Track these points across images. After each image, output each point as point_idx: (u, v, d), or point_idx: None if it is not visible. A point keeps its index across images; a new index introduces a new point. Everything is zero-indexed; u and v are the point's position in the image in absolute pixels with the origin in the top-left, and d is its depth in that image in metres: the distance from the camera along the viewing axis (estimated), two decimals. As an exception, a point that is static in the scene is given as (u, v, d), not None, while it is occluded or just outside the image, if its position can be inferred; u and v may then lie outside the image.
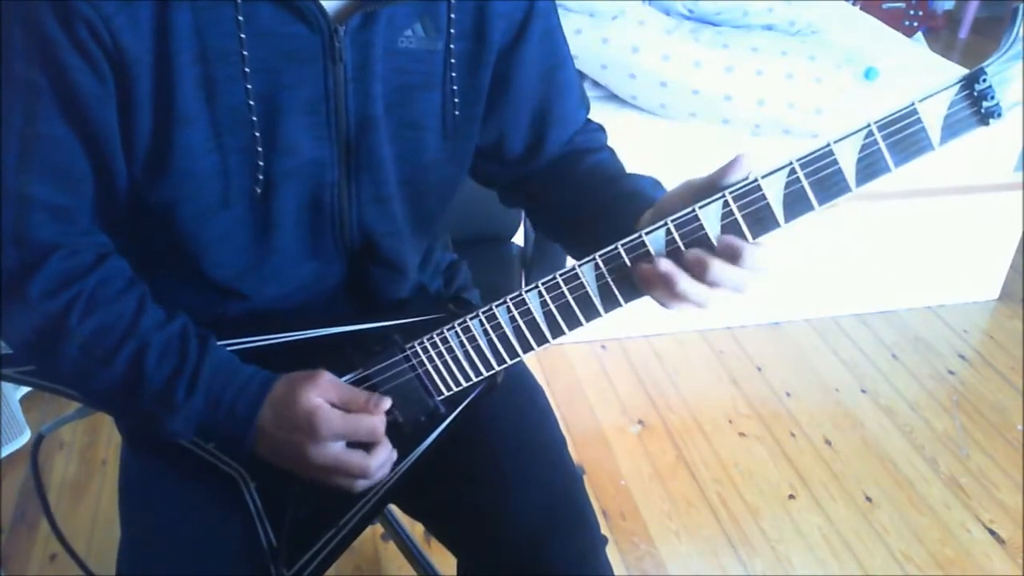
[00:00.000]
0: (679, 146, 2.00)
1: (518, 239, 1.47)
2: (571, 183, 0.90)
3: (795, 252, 2.16)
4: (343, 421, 0.76)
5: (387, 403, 0.78)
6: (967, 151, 2.13)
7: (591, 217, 0.85)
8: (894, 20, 3.54)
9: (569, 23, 1.90)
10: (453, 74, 0.82)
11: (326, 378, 0.77)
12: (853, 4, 3.29)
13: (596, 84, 2.04)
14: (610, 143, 0.97)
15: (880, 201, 2.16)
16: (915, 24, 3.76)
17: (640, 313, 2.38)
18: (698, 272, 0.70)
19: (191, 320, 0.80)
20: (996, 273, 2.40)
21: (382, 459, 0.79)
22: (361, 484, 0.79)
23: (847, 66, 1.97)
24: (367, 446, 0.78)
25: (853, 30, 2.47)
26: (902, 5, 3.75)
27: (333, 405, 0.77)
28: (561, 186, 0.91)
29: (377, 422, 0.78)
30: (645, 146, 1.97)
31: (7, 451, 1.77)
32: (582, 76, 2.03)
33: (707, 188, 0.71)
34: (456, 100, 0.83)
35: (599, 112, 2.00)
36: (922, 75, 2.23)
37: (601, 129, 0.98)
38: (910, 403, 2.04)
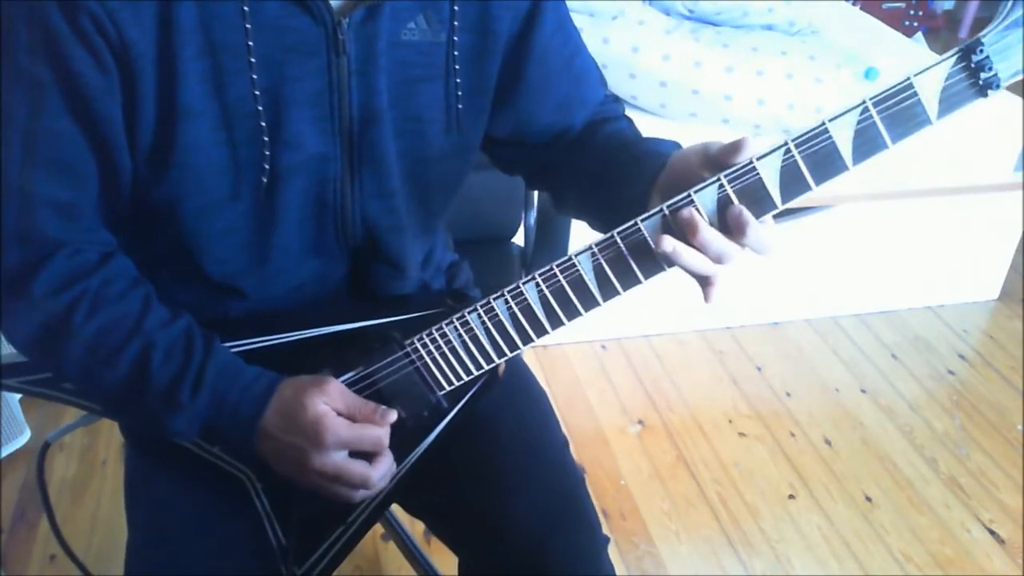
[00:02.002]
0: (679, 146, 2.00)
1: (518, 239, 1.47)
2: (591, 153, 0.90)
3: (795, 252, 2.16)
4: (349, 431, 0.76)
5: (393, 415, 0.78)
6: (967, 151, 2.13)
7: (611, 182, 0.84)
8: (894, 20, 3.54)
9: (569, 23, 1.90)
10: (456, 66, 0.82)
11: (334, 386, 0.77)
12: (853, 4, 3.29)
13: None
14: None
15: (880, 201, 2.16)
16: (915, 24, 3.76)
17: (640, 313, 2.37)
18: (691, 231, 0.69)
19: (195, 320, 0.80)
20: (996, 273, 2.40)
21: (383, 470, 0.78)
22: (360, 495, 0.79)
23: (847, 66, 1.96)
24: (369, 456, 0.78)
25: (853, 30, 2.47)
26: (902, 5, 3.75)
27: (339, 414, 0.76)
28: (581, 158, 0.91)
29: (383, 433, 0.77)
30: (645, 146, 1.96)
31: (7, 451, 1.77)
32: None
33: (724, 156, 0.70)
34: (459, 93, 0.83)
35: (599, 112, 2.00)
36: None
37: (616, 100, 0.98)
38: (910, 403, 2.04)
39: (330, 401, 0.76)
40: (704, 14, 2.03)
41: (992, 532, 1.71)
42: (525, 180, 1.01)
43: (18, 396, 1.83)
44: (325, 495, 0.79)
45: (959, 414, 2.02)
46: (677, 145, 0.84)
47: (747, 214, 0.68)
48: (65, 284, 0.74)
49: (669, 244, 0.69)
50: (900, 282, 2.33)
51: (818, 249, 2.18)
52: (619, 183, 0.82)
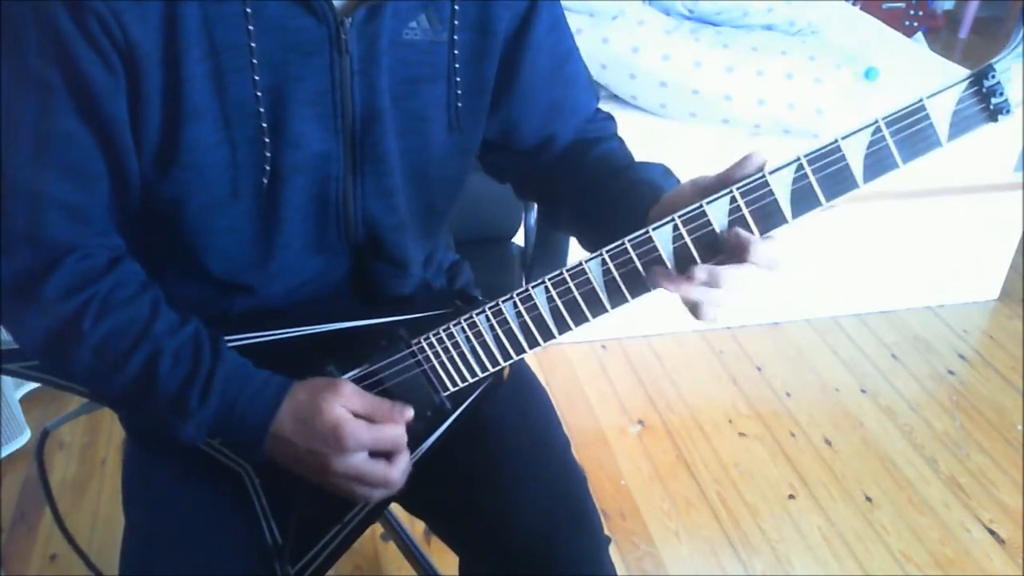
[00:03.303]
0: (679, 146, 2.00)
1: (518, 239, 1.47)
2: (581, 173, 0.90)
3: (795, 252, 2.16)
4: (368, 432, 0.76)
5: (410, 412, 0.78)
6: (967, 151, 2.13)
7: (601, 208, 0.84)
8: (894, 20, 3.54)
9: (569, 23, 1.89)
10: (457, 66, 0.82)
11: (349, 387, 0.77)
12: (853, 4, 3.29)
13: (596, 84, 2.04)
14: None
15: (880, 201, 2.16)
16: (915, 24, 3.76)
17: (640, 313, 2.37)
18: (696, 277, 0.70)
19: (203, 324, 0.80)
20: (996, 273, 2.40)
21: (402, 468, 0.79)
22: (379, 494, 0.79)
23: (847, 66, 1.97)
24: (387, 455, 0.78)
25: (853, 30, 2.47)
26: (902, 5, 3.75)
27: (356, 415, 0.76)
28: (571, 176, 0.91)
29: (401, 432, 0.78)
30: (645, 146, 1.96)
31: (7, 451, 1.77)
32: (582, 76, 2.03)
33: (715, 187, 0.71)
34: (459, 92, 0.84)
35: (599, 112, 2.00)
36: (922, 75, 2.23)
37: (610, 118, 0.98)
38: (910, 403, 2.04)
39: (346, 403, 0.76)
40: (704, 14, 2.03)
41: (992, 532, 1.71)
42: (514, 188, 1.01)
43: (18, 396, 1.83)
44: (344, 496, 0.79)
45: (959, 414, 2.02)
46: (668, 171, 0.86)
47: (744, 234, 0.69)
48: (75, 288, 0.74)
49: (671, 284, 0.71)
50: (900, 282, 2.33)
51: (818, 249, 2.18)
52: (612, 208, 0.82)
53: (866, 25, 2.62)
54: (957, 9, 4.38)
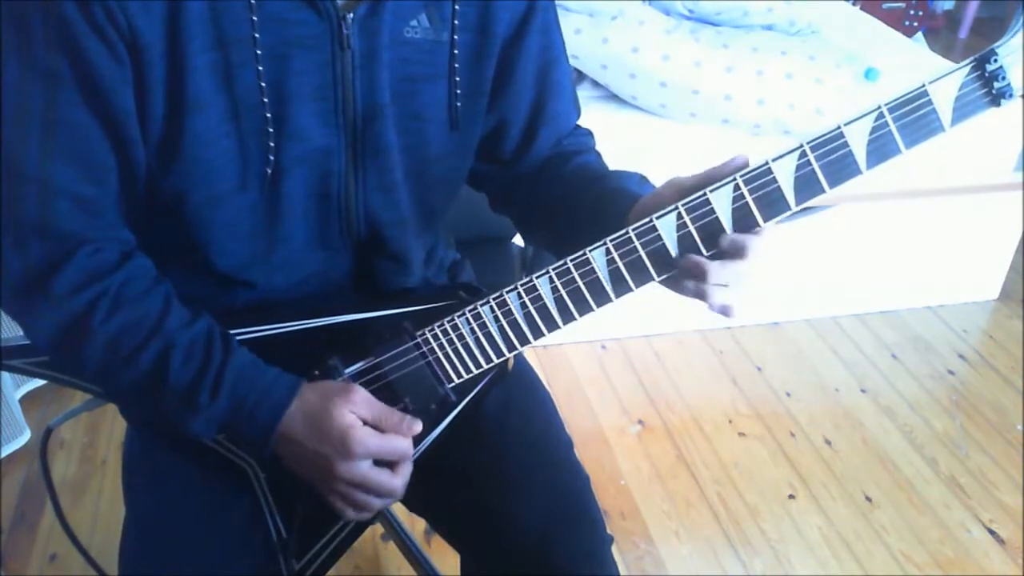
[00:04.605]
0: (679, 146, 2.00)
1: (518, 239, 1.47)
2: (557, 184, 0.91)
3: (795, 252, 2.16)
4: (377, 441, 0.76)
5: (419, 426, 0.79)
6: (967, 151, 2.13)
7: (577, 218, 0.85)
8: (894, 20, 3.54)
9: (569, 23, 1.90)
10: (457, 66, 0.82)
11: (360, 394, 0.77)
12: (853, 4, 3.29)
13: (596, 84, 2.04)
14: (612, 143, 0.98)
15: (880, 201, 2.16)
16: (915, 24, 3.76)
17: (640, 313, 2.36)
18: (698, 275, 0.71)
19: (215, 320, 0.80)
20: (996, 273, 2.40)
21: (405, 479, 0.79)
22: (380, 503, 0.80)
23: (847, 66, 1.97)
24: (391, 464, 0.78)
25: (853, 30, 2.47)
26: (902, 5, 3.75)
27: (365, 422, 0.77)
28: (548, 188, 0.91)
29: (408, 444, 0.78)
30: (645, 146, 1.97)
31: (7, 451, 1.77)
32: (582, 76, 2.03)
33: (696, 187, 0.71)
34: (458, 91, 0.84)
35: (599, 112, 2.00)
36: (922, 75, 2.22)
37: (589, 134, 0.99)
38: (910, 403, 2.04)
39: (356, 410, 0.76)
40: (704, 14, 2.03)
41: (992, 532, 1.71)
42: (489, 199, 1.01)
43: (18, 396, 1.83)
44: (345, 502, 0.79)
45: (959, 414, 2.02)
46: (644, 179, 0.86)
47: (740, 238, 0.70)
48: (86, 282, 0.74)
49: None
50: (900, 282, 2.33)
51: (818, 249, 2.18)
52: (590, 219, 0.83)
53: (866, 25, 2.62)
54: (957, 9, 4.38)
